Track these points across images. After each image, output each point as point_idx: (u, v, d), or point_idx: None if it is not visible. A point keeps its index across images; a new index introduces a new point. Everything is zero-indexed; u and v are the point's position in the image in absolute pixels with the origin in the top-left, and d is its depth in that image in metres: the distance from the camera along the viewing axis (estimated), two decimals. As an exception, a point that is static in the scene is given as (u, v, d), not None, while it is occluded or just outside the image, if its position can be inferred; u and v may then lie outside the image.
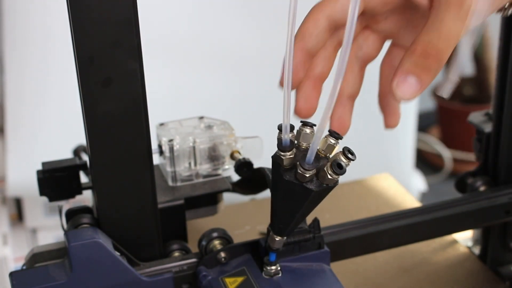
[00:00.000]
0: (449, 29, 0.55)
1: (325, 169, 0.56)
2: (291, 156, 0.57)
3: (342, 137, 0.57)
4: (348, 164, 0.56)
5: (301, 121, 0.59)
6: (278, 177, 0.58)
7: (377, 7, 0.59)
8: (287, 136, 0.56)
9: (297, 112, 0.60)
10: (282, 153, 0.57)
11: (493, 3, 0.57)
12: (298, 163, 0.56)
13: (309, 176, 0.56)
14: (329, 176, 0.56)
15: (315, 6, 0.58)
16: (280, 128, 0.57)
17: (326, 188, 0.57)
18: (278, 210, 0.60)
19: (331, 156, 0.57)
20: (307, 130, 0.58)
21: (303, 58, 0.59)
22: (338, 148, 0.57)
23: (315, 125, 0.57)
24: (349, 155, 0.56)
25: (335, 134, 0.57)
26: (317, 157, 0.57)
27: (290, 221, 0.60)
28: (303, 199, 0.57)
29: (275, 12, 1.38)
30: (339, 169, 0.55)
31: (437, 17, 0.56)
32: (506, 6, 0.60)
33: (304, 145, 0.58)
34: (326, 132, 0.57)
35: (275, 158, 0.58)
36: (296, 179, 0.56)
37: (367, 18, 0.61)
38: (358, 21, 0.59)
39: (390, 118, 0.61)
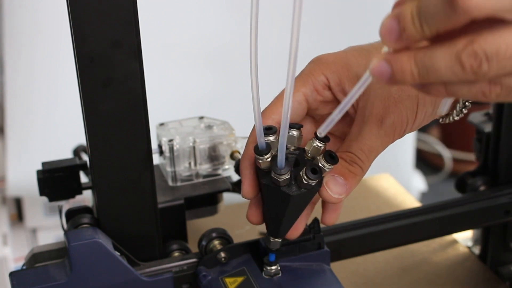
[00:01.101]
0: (370, 145, 0.58)
1: (301, 173, 0.55)
2: (268, 159, 0.56)
3: (329, 140, 0.57)
4: (330, 168, 0.56)
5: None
6: (260, 181, 0.58)
7: (319, 108, 0.62)
8: (262, 140, 0.56)
9: (248, 219, 0.62)
10: (260, 157, 0.56)
11: (427, 117, 0.60)
12: (271, 167, 0.56)
13: (283, 180, 0.55)
14: (305, 181, 0.55)
15: (263, 113, 0.60)
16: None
17: (306, 192, 0.56)
18: (268, 213, 0.60)
19: (307, 148, 0.57)
20: (294, 132, 0.57)
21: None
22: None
23: (301, 126, 0.58)
24: (330, 159, 0.55)
25: (295, 125, 0.57)
26: (302, 160, 0.56)
27: (279, 224, 0.59)
28: (284, 203, 0.57)
29: (275, 13, 1.38)
30: (313, 174, 0.55)
31: (360, 130, 0.59)
32: (455, 110, 0.62)
33: (292, 148, 0.57)
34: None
35: (255, 162, 0.58)
36: (272, 183, 0.56)
37: (318, 122, 0.64)
38: (313, 125, 0.63)
39: (329, 215, 0.62)
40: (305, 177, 0.55)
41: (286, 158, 0.55)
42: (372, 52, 0.61)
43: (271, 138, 0.57)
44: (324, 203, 0.62)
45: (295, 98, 0.60)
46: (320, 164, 0.55)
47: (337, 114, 0.52)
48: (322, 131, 0.54)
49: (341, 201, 0.58)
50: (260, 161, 0.56)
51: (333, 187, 0.57)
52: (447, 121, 0.63)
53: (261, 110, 0.57)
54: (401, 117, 0.59)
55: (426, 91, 0.46)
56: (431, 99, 0.59)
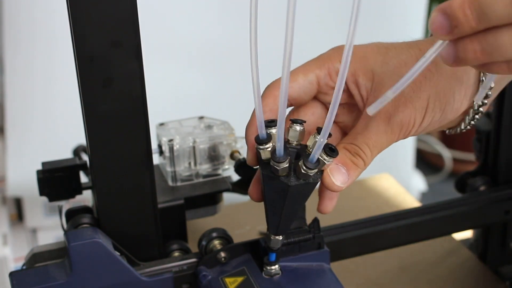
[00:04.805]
0: (375, 140, 0.59)
1: (300, 163, 0.56)
2: (268, 149, 0.57)
3: (305, 121, 0.58)
4: (329, 161, 0.56)
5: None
6: (261, 173, 0.58)
7: (328, 93, 0.62)
8: (264, 132, 0.57)
9: (250, 196, 0.63)
10: (261, 147, 0.57)
11: (441, 121, 0.60)
12: (270, 156, 0.57)
13: (282, 169, 0.56)
14: (303, 171, 0.56)
15: (273, 84, 0.61)
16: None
17: (305, 184, 0.57)
18: (268, 208, 0.60)
19: (309, 144, 0.57)
20: (297, 127, 0.58)
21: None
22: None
23: (304, 121, 0.58)
24: (330, 152, 0.56)
25: (298, 120, 0.58)
26: (304, 154, 0.57)
27: (278, 219, 0.60)
28: (283, 195, 0.57)
29: (275, 13, 1.38)
30: (312, 163, 0.55)
31: (367, 125, 0.59)
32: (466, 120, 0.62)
33: (294, 142, 0.58)
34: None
35: (256, 150, 0.58)
36: (271, 173, 0.57)
37: (325, 108, 0.64)
38: (319, 109, 0.63)
39: (326, 203, 0.62)
40: (304, 167, 0.56)
41: (286, 149, 0.56)
42: (390, 50, 0.61)
43: (273, 130, 0.57)
44: (321, 192, 0.62)
45: (307, 78, 0.60)
46: (319, 157, 0.56)
47: (394, 92, 0.51)
48: (373, 109, 0.54)
49: (341, 190, 0.58)
50: (261, 151, 0.57)
51: (336, 175, 0.57)
52: (452, 132, 0.63)
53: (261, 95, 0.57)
54: (409, 117, 0.59)
55: (487, 69, 0.48)
56: (440, 105, 0.59)
